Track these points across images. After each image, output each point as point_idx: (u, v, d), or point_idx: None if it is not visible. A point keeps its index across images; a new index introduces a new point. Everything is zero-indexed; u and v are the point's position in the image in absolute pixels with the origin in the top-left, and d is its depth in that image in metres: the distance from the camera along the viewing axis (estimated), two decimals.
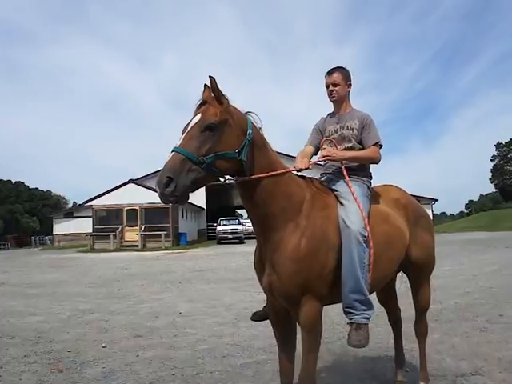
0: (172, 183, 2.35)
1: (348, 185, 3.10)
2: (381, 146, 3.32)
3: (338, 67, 3.36)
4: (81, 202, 37.59)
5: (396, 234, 3.22)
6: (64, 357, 5.12)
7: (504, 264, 12.53)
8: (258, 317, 3.39)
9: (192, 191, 2.51)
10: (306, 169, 3.07)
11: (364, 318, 2.85)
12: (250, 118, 2.76)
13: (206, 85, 2.65)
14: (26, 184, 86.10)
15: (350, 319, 2.87)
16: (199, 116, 2.55)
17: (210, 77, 2.53)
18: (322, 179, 3.37)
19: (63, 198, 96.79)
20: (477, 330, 5.61)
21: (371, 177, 3.45)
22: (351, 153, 3.25)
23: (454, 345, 5.04)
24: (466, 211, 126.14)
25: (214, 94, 2.59)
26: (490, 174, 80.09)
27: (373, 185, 3.47)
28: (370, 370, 4.39)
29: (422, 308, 3.71)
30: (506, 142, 77.83)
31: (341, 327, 5.88)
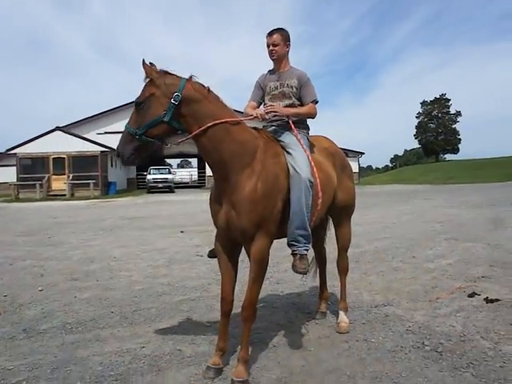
0: (120, 154, 3.02)
1: (297, 137, 3.50)
2: (317, 102, 3.73)
3: (278, 28, 3.65)
4: (2, 151, 35.50)
5: (328, 180, 3.65)
6: (1, 301, 5.18)
7: (421, 213, 13.52)
8: (213, 254, 3.67)
9: (141, 157, 3.06)
10: (260, 116, 3.45)
11: (305, 249, 3.32)
12: (184, 81, 3.03)
13: (143, 60, 3.01)
14: None
15: (294, 251, 3.32)
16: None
17: (142, 61, 2.98)
18: (268, 130, 3.68)
19: None
20: (391, 270, 6.23)
21: (309, 129, 3.86)
22: (294, 110, 3.64)
23: (370, 282, 5.61)
24: (391, 165, 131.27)
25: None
26: (415, 130, 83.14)
27: None
28: (295, 303, 4.86)
29: (343, 246, 4.18)
30: (430, 101, 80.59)
31: (269, 268, 6.28)
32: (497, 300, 4.62)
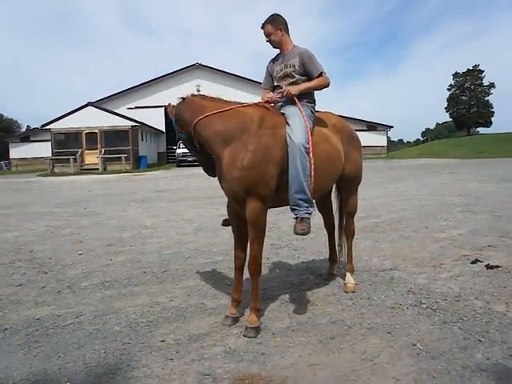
0: None
1: (298, 106, 3.82)
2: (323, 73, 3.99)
3: (267, 19, 3.97)
4: (35, 126, 36.73)
5: (335, 152, 4.00)
6: (46, 262, 5.82)
7: (442, 186, 13.74)
8: (227, 222, 4.15)
9: (204, 167, 3.99)
10: (268, 101, 3.91)
11: (306, 213, 3.62)
12: (177, 105, 3.75)
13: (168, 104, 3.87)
14: None
15: (296, 214, 3.65)
16: None
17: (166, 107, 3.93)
18: (275, 106, 4.06)
19: (16, 121, 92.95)
20: (403, 238, 6.61)
21: (315, 103, 4.13)
22: (304, 85, 3.93)
23: (381, 249, 6.01)
24: (422, 139, 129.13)
25: None
26: (446, 103, 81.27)
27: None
28: (309, 267, 5.31)
29: (350, 213, 4.57)
30: (463, 72, 78.33)
31: (288, 236, 6.78)
32: (497, 267, 4.96)
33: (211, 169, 3.84)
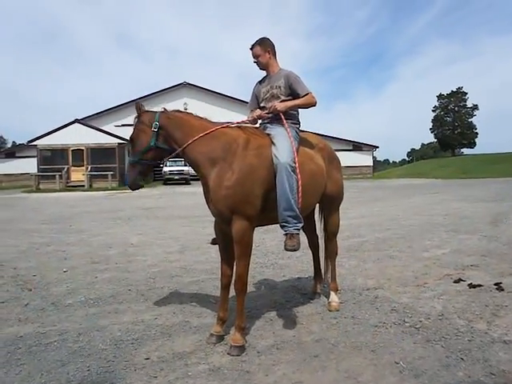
0: (127, 179, 3.78)
1: (285, 126, 3.91)
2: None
3: (256, 41, 4.11)
4: (21, 142, 36.54)
5: (319, 171, 4.10)
6: (30, 279, 5.77)
7: (427, 206, 13.89)
8: (215, 241, 4.16)
9: (145, 176, 3.87)
10: (257, 117, 4.06)
11: (295, 229, 3.68)
12: (159, 113, 3.76)
13: (136, 103, 3.85)
14: None
15: (285, 231, 3.70)
16: None
17: (136, 104, 3.82)
18: (260, 127, 4.15)
19: (1, 137, 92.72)
20: (387, 258, 6.67)
21: (300, 124, 4.23)
22: (291, 102, 4.03)
23: (366, 268, 6.06)
24: (407, 159, 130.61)
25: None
26: (431, 124, 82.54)
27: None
28: (294, 285, 5.34)
29: (332, 232, 4.63)
30: (447, 94, 79.91)
31: (274, 255, 6.82)
32: (479, 285, 5.03)
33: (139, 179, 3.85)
